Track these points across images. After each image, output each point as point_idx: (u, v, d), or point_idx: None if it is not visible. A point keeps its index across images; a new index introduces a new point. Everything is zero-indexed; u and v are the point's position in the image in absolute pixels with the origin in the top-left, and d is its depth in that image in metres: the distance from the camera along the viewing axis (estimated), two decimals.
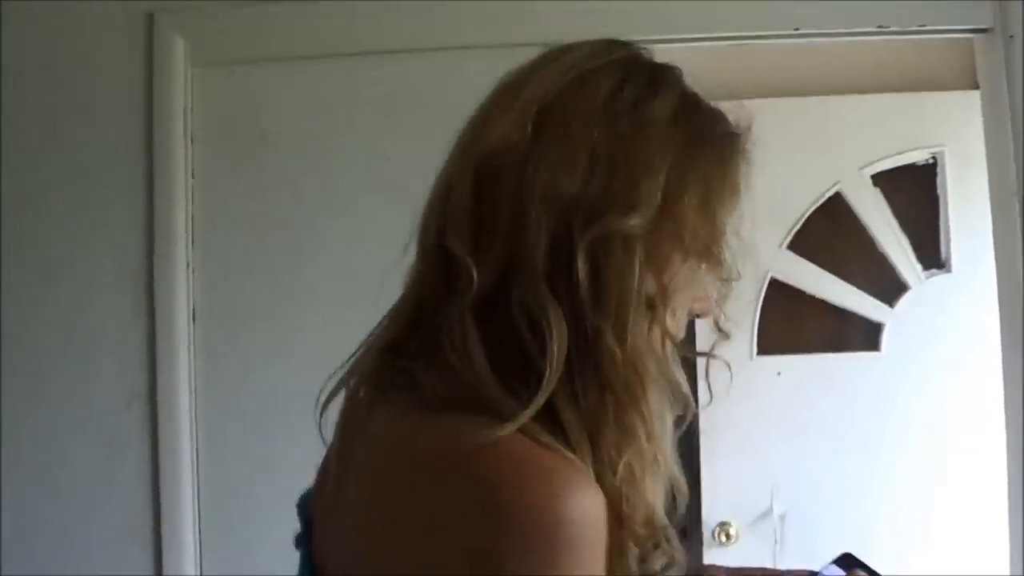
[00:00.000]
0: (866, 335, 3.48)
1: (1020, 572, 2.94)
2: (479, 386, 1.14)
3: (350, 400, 1.29)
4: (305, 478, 1.45)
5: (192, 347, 3.22)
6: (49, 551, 3.27)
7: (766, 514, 3.41)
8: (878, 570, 1.51)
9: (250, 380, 3.27)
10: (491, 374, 1.15)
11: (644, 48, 1.32)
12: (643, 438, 1.16)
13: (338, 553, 1.29)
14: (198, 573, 3.18)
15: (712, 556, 3.39)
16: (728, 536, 3.39)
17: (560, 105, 1.22)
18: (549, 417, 1.12)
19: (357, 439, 1.26)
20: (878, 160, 3.48)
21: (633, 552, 1.18)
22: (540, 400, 1.11)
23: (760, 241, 3.33)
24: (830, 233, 3.49)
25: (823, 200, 3.46)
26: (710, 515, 3.40)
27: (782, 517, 3.42)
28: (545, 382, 1.12)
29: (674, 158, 1.21)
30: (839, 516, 3.44)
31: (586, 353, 1.15)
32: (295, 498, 1.42)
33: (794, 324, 3.51)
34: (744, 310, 3.43)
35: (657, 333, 1.21)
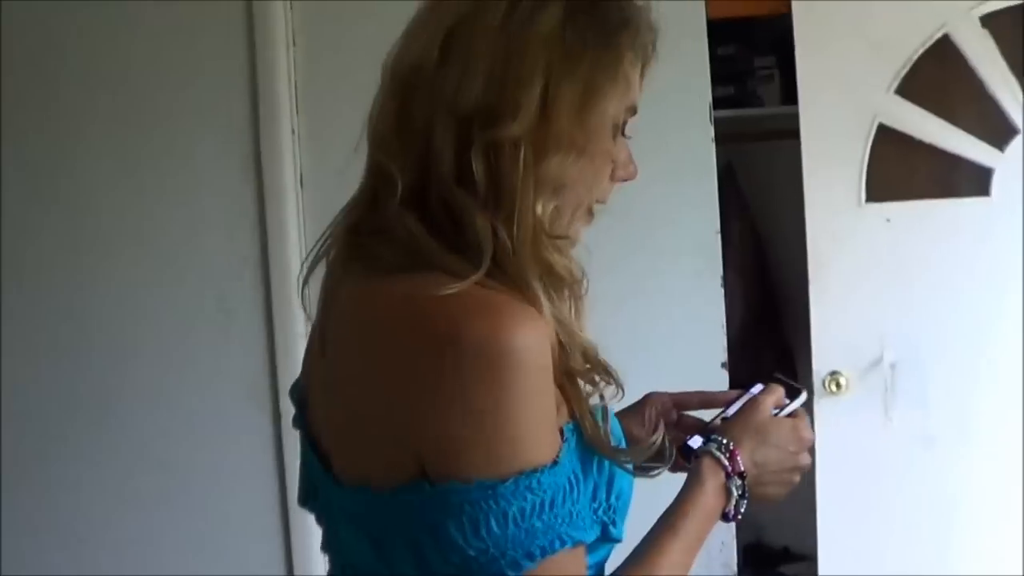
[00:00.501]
0: (976, 180, 3.43)
1: None
2: (429, 253, 1.39)
3: (328, 279, 1.54)
4: None
5: (301, 212, 3.26)
6: (168, 418, 3.36)
7: (876, 363, 3.40)
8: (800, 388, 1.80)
9: None
10: (435, 244, 1.39)
11: None
12: (547, 307, 1.38)
13: (325, 415, 1.54)
14: None
15: (822, 406, 3.39)
16: (838, 385, 3.38)
17: (464, 26, 1.42)
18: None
19: (332, 310, 1.51)
20: (987, 1, 3.40)
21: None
22: (483, 269, 1.36)
23: (867, 86, 3.32)
24: (939, 77, 3.41)
25: (931, 43, 3.39)
26: (820, 365, 3.39)
27: (893, 366, 3.41)
28: (484, 257, 1.36)
29: (553, 67, 1.40)
30: (950, 364, 3.43)
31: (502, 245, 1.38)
32: None
33: (903, 170, 3.46)
34: (852, 156, 3.40)
35: (545, 222, 1.42)
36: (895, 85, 3.38)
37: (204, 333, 3.33)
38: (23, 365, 3.38)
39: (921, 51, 3.39)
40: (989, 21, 3.40)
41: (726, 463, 1.59)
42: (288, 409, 3.21)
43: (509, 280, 1.38)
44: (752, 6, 3.46)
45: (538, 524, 1.31)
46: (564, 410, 1.41)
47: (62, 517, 3.41)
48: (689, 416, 1.86)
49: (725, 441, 1.61)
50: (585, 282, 1.49)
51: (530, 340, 1.32)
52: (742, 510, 1.60)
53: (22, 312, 3.37)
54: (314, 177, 3.30)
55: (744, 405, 1.74)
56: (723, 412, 1.77)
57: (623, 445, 1.58)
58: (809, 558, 3.63)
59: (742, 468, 1.59)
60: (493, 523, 1.30)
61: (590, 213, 1.55)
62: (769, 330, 4.51)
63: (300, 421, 1.63)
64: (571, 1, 1.43)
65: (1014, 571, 3.34)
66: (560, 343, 1.39)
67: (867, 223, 3.41)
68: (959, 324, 3.42)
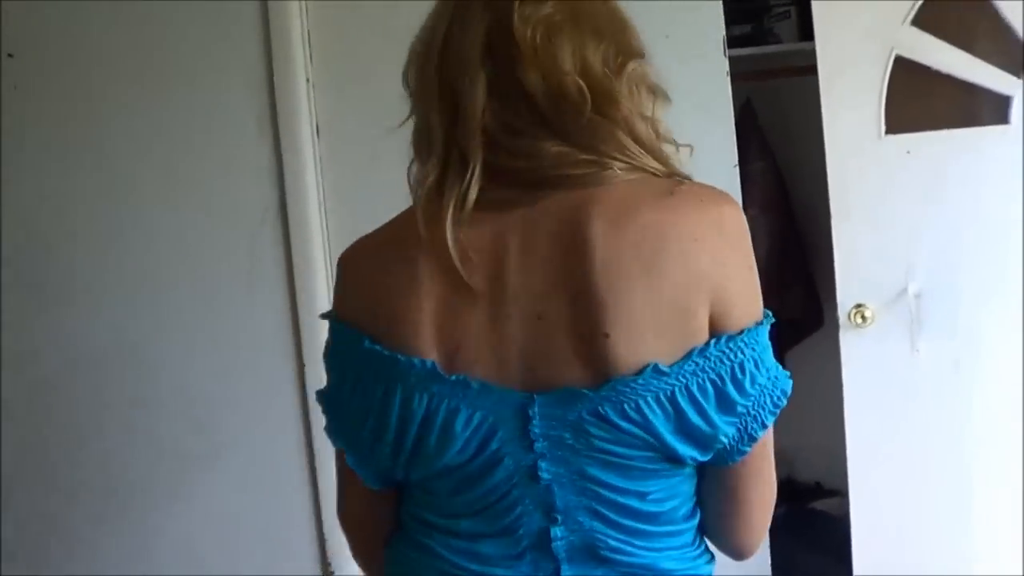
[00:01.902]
0: (995, 108, 3.42)
1: None
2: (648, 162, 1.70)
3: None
4: None
5: (318, 161, 3.30)
6: (197, 365, 3.41)
7: (901, 294, 3.41)
8: None
9: (376, 191, 3.33)
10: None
11: None
12: None
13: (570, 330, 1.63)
14: None
15: (848, 339, 3.40)
16: (864, 318, 3.39)
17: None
18: None
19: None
20: None
21: None
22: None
23: (883, 18, 3.31)
24: (954, 6, 3.41)
25: None
26: (845, 297, 3.39)
27: (918, 296, 3.42)
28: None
29: None
30: (975, 292, 3.44)
31: None
32: None
33: (922, 101, 3.45)
34: (870, 89, 3.40)
35: None
36: (911, 16, 3.38)
37: (229, 282, 3.37)
38: (51, 310, 3.43)
39: None
40: None
41: None
42: (312, 357, 3.30)
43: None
44: None
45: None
46: None
47: (90, 463, 3.47)
48: None
49: None
50: None
51: None
52: None
53: (50, 265, 3.41)
54: (330, 125, 3.32)
55: None
56: None
57: None
58: (840, 493, 3.65)
59: None
60: (769, 351, 1.68)
61: None
62: (794, 264, 4.53)
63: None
64: None
65: None
66: None
67: (887, 155, 3.41)
68: (982, 252, 3.43)
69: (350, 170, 3.33)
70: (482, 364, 1.62)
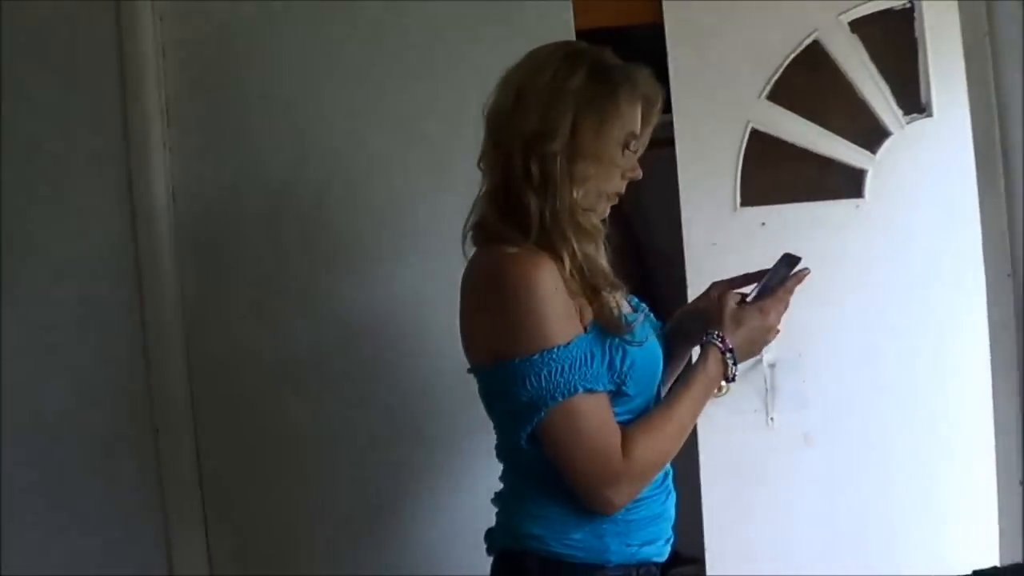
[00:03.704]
0: (849, 182, 3.50)
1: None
2: (503, 232, 2.34)
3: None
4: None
5: (172, 228, 3.31)
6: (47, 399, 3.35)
7: (756, 363, 3.45)
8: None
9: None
10: (504, 227, 2.34)
11: (568, 42, 2.63)
12: (576, 251, 2.33)
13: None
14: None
15: (704, 409, 3.42)
16: (719, 388, 3.41)
17: (526, 83, 2.36)
18: (536, 243, 2.32)
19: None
20: (855, 6, 3.46)
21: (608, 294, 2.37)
22: (533, 240, 2.31)
23: (739, 92, 3.37)
24: (810, 82, 3.48)
25: (801, 49, 3.45)
26: None
27: (772, 366, 3.47)
28: (533, 232, 2.31)
29: (579, 107, 2.32)
30: (827, 362, 3.51)
31: (547, 217, 2.32)
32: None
33: (777, 174, 3.51)
34: (726, 162, 3.47)
35: (578, 201, 2.36)
36: (767, 91, 3.45)
37: (81, 352, 3.32)
38: None
39: (792, 57, 3.45)
40: (858, 26, 3.47)
41: (720, 344, 2.49)
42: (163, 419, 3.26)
43: (551, 239, 2.31)
44: (624, 16, 3.49)
45: (560, 379, 2.24)
46: (589, 312, 2.33)
47: None
48: (739, 292, 2.69)
49: (717, 332, 2.51)
50: (603, 235, 2.44)
51: (541, 275, 2.24)
52: (736, 371, 2.52)
53: None
54: (187, 192, 3.30)
55: (719, 303, 2.62)
56: (754, 287, 2.66)
57: (648, 339, 2.47)
58: (697, 560, 3.66)
59: (731, 345, 2.50)
60: (534, 379, 2.24)
61: (609, 199, 2.47)
62: None
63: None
64: (591, 66, 2.35)
65: (891, 567, 3.41)
66: (585, 272, 2.33)
67: (743, 227, 3.47)
68: (835, 323, 3.49)
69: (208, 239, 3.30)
70: None
